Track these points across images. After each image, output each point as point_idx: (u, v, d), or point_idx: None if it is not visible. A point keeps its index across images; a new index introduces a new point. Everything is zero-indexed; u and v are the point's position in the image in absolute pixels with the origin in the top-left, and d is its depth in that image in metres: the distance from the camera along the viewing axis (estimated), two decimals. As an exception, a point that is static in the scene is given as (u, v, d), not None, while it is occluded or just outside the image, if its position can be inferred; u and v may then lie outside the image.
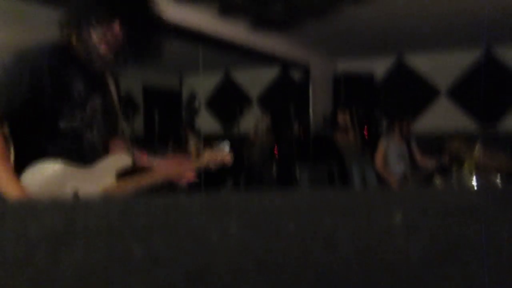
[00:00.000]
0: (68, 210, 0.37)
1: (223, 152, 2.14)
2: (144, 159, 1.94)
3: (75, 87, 1.65)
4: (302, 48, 6.77)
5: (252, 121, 6.83)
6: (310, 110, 7.17)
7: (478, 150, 3.59)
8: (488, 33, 5.62)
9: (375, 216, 0.35)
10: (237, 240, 0.33)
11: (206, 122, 8.87)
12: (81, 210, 0.37)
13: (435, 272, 0.32)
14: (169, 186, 1.95)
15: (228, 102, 8.59)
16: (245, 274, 0.32)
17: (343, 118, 5.78)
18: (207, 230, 0.34)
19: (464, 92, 6.87)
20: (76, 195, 1.61)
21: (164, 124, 6.88)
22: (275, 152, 6.55)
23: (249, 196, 0.38)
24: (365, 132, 6.09)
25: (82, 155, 1.67)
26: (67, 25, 1.64)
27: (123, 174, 1.76)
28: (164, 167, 1.92)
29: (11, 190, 1.46)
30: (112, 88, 1.84)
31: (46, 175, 1.58)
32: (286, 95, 7.68)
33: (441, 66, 7.03)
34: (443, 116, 7.05)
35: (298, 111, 6.81)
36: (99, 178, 1.69)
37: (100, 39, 1.62)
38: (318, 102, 7.34)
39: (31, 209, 0.37)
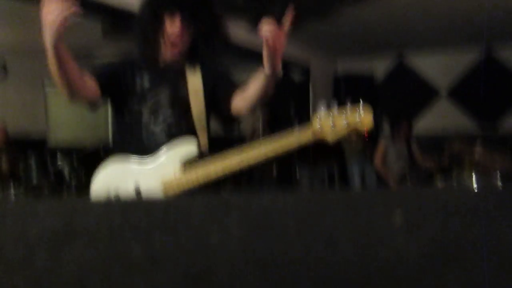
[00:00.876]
0: (68, 211, 0.37)
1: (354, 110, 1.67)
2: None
3: (138, 84, 1.74)
4: (302, 48, 6.76)
5: (252, 120, 6.82)
6: (310, 109, 7.16)
7: (478, 150, 3.59)
8: (488, 33, 5.62)
9: (375, 217, 0.35)
10: (237, 240, 0.33)
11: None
12: (82, 210, 0.37)
13: (435, 272, 0.32)
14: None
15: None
16: (245, 274, 0.32)
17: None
18: (208, 230, 0.34)
19: (464, 92, 6.87)
20: (138, 192, 1.61)
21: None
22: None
23: (249, 197, 0.38)
24: (365, 132, 6.08)
25: (143, 148, 1.70)
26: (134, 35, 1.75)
27: (192, 162, 1.67)
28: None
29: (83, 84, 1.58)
30: (194, 86, 1.85)
31: (109, 174, 1.66)
32: (286, 94, 7.68)
33: (441, 66, 7.02)
34: (443, 116, 7.04)
35: (298, 111, 6.81)
36: (163, 170, 1.65)
37: (164, 42, 1.70)
38: (318, 102, 7.33)
39: (32, 209, 0.37)
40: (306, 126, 1.64)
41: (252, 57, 5.90)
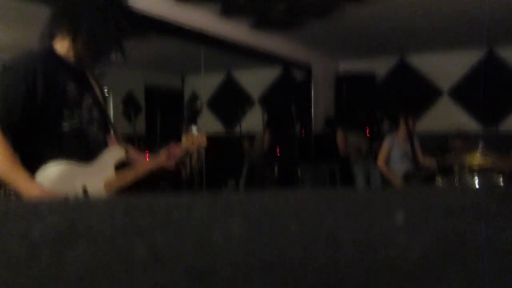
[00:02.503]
0: (71, 210, 0.37)
1: (197, 135, 2.24)
2: (133, 151, 2.01)
3: (68, 88, 1.69)
4: (304, 48, 6.77)
5: (254, 121, 6.82)
6: (312, 110, 7.16)
7: (480, 149, 3.58)
8: (490, 33, 5.62)
9: (377, 216, 0.35)
10: (239, 239, 0.34)
11: (208, 122, 8.88)
12: (84, 210, 0.37)
13: (437, 271, 0.32)
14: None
15: (229, 102, 8.59)
16: (247, 273, 0.32)
17: (352, 117, 5.76)
18: (210, 229, 0.34)
19: (466, 92, 6.86)
20: (85, 192, 1.67)
21: (166, 124, 6.88)
22: (277, 151, 6.55)
23: (251, 196, 0.38)
24: (367, 132, 6.08)
25: (88, 151, 1.73)
26: (59, 29, 1.71)
27: (119, 167, 1.84)
28: (153, 158, 2.01)
29: (30, 189, 1.51)
30: (96, 88, 1.90)
31: (55, 176, 1.61)
32: (288, 95, 7.68)
33: (443, 66, 7.02)
34: (445, 116, 7.04)
35: (300, 111, 6.81)
36: (101, 172, 1.75)
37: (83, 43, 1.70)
38: (320, 102, 7.34)
39: (34, 209, 0.38)
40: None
41: (252, 57, 5.92)
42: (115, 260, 0.33)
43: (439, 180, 3.99)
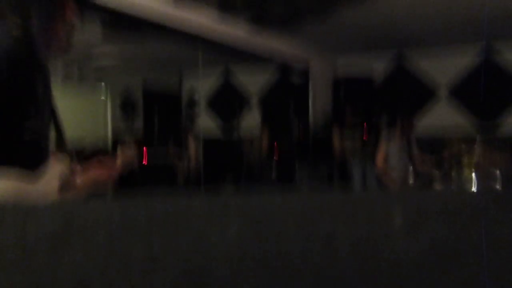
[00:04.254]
0: (67, 211, 0.37)
1: (129, 146, 2.17)
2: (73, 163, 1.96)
3: (37, 84, 1.55)
4: (302, 48, 6.77)
5: (252, 121, 6.82)
6: (310, 110, 7.17)
7: (477, 150, 3.59)
8: (488, 33, 5.62)
9: (374, 218, 0.35)
10: (237, 241, 0.33)
11: (206, 122, 8.87)
12: (81, 211, 0.37)
13: (435, 273, 0.32)
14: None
15: (227, 102, 8.59)
16: (245, 274, 0.32)
17: (351, 115, 5.75)
18: (207, 231, 0.34)
19: (464, 92, 6.87)
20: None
21: (164, 125, 6.88)
22: (275, 153, 6.55)
23: (249, 197, 0.38)
24: (365, 132, 6.08)
25: (44, 156, 1.59)
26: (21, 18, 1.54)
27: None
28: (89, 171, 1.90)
29: None
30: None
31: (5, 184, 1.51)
32: (286, 95, 7.68)
33: (441, 66, 7.02)
34: (443, 116, 7.05)
35: (297, 111, 6.81)
36: (49, 182, 1.62)
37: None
38: (318, 102, 7.34)
39: (31, 210, 0.37)
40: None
41: (250, 57, 5.92)
42: (111, 260, 0.33)
43: (437, 182, 4.00)
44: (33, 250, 0.34)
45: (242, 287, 0.32)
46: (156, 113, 6.80)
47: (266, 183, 6.29)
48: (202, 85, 8.91)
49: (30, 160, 1.55)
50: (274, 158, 6.56)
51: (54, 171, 1.65)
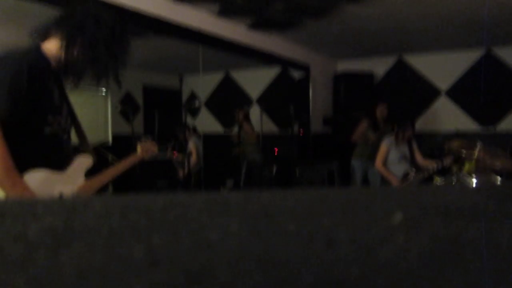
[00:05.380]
0: (67, 210, 0.37)
1: (149, 143, 2.30)
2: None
3: (53, 92, 1.68)
4: (302, 48, 6.77)
5: (253, 120, 6.82)
6: (310, 110, 7.17)
7: (478, 150, 3.59)
8: (488, 33, 5.62)
9: (375, 216, 0.35)
10: (237, 239, 0.33)
11: (206, 122, 8.88)
12: (81, 209, 0.37)
13: (435, 271, 0.31)
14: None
15: (228, 102, 8.59)
16: (245, 274, 0.32)
17: (382, 111, 5.71)
18: (207, 229, 0.34)
19: (464, 92, 6.87)
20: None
21: (164, 124, 6.88)
22: (275, 151, 6.55)
23: (249, 195, 0.38)
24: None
25: (63, 158, 1.74)
26: (56, 32, 1.67)
27: (88, 174, 1.88)
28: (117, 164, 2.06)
29: (17, 190, 1.47)
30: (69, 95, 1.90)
31: (35, 184, 1.58)
32: (286, 95, 7.69)
33: (441, 67, 7.03)
34: (443, 116, 7.05)
35: (298, 111, 6.82)
36: (74, 180, 1.78)
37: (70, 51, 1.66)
38: (318, 102, 7.34)
39: (31, 208, 0.37)
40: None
41: (250, 56, 5.92)
42: (111, 260, 0.33)
43: (437, 181, 4.00)
44: (33, 249, 0.34)
45: (242, 285, 0.32)
46: (156, 112, 6.80)
47: (266, 182, 6.29)
48: (202, 85, 8.92)
49: (57, 159, 1.71)
50: (274, 157, 6.56)
51: (81, 167, 1.82)
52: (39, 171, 1.61)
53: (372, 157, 5.15)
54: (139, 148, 2.23)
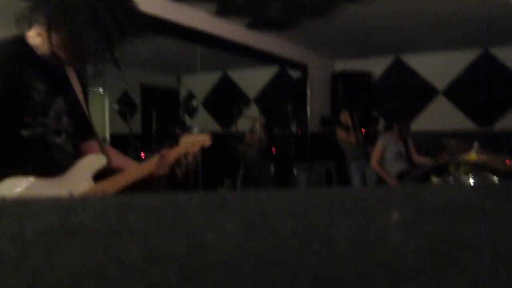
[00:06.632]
0: (64, 209, 0.37)
1: (201, 135, 1.97)
2: (120, 158, 1.82)
3: (35, 89, 1.45)
4: (300, 47, 6.77)
5: (250, 120, 6.82)
6: (308, 109, 7.17)
7: (475, 149, 3.60)
8: (486, 33, 5.64)
9: (372, 215, 0.35)
10: (234, 239, 0.33)
11: (204, 121, 8.87)
12: (78, 208, 0.37)
13: (432, 271, 0.32)
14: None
15: (225, 101, 8.59)
16: (242, 273, 0.32)
17: (344, 118, 5.79)
18: (204, 229, 0.34)
19: (461, 91, 6.89)
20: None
21: (162, 123, 6.88)
22: (273, 150, 6.55)
23: (247, 195, 0.38)
24: (363, 132, 6.10)
25: (53, 163, 1.52)
26: (31, 19, 1.43)
27: (101, 176, 1.64)
28: (143, 164, 1.78)
29: None
30: (77, 87, 1.66)
31: (17, 191, 1.41)
32: (283, 94, 7.69)
33: (439, 66, 7.04)
34: (440, 116, 7.07)
35: (295, 111, 6.82)
36: (75, 184, 1.55)
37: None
38: (316, 102, 7.34)
39: (27, 207, 0.37)
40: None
41: (248, 56, 5.92)
42: (108, 259, 0.33)
43: (433, 180, 4.00)
44: (29, 248, 0.34)
45: (239, 284, 0.32)
46: (154, 112, 6.80)
47: (264, 182, 6.29)
48: (200, 84, 8.91)
49: (42, 165, 1.49)
50: (272, 157, 6.56)
51: (87, 167, 1.59)
52: (21, 179, 1.41)
53: (368, 156, 5.16)
54: (183, 140, 1.90)
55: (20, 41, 1.49)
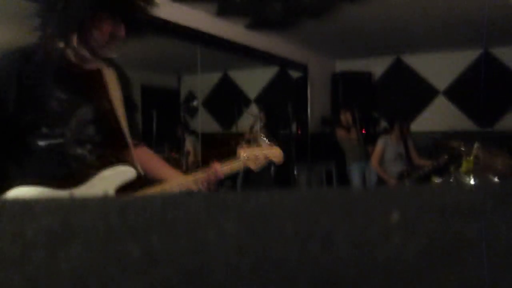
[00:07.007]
0: (65, 210, 0.37)
1: (268, 147, 1.72)
2: (163, 168, 1.69)
3: (54, 98, 1.40)
4: (301, 47, 6.77)
5: (250, 120, 6.82)
6: (308, 109, 7.17)
7: (476, 149, 3.59)
8: (486, 34, 5.63)
9: (372, 215, 0.35)
10: (235, 239, 0.33)
11: (204, 121, 8.87)
12: (78, 209, 0.37)
13: (433, 271, 0.32)
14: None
15: (226, 101, 8.59)
16: (242, 273, 0.32)
17: (345, 118, 5.79)
18: (205, 229, 0.34)
19: (462, 92, 6.88)
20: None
21: (162, 124, 6.88)
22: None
23: (247, 195, 0.38)
24: (363, 132, 6.10)
25: (70, 174, 1.43)
26: (50, 27, 1.39)
27: (131, 187, 1.52)
28: (185, 177, 1.65)
29: None
30: (114, 91, 1.57)
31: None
32: (284, 94, 7.69)
33: (439, 66, 7.04)
34: (441, 116, 7.06)
35: (296, 111, 6.82)
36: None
37: (93, 43, 1.41)
38: (316, 102, 7.34)
39: (28, 208, 0.37)
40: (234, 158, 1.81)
41: (249, 56, 5.91)
42: (109, 260, 0.33)
43: (434, 180, 4.00)
44: (31, 249, 0.34)
45: (239, 284, 0.32)
46: (154, 112, 6.79)
47: (265, 182, 6.29)
48: (200, 85, 8.91)
49: (58, 175, 1.40)
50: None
51: (105, 181, 1.47)
52: (24, 188, 1.35)
53: (369, 156, 5.16)
54: (241, 154, 1.71)
55: (40, 49, 1.43)
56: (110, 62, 1.57)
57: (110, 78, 1.57)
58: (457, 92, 6.94)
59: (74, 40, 1.39)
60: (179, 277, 0.31)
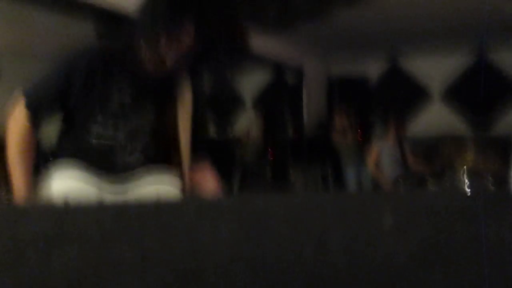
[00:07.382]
0: (60, 214, 0.37)
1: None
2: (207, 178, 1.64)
3: (118, 99, 1.37)
4: (296, 50, 6.78)
5: (246, 122, 6.83)
6: (304, 112, 7.18)
7: (470, 153, 3.61)
8: (483, 38, 5.66)
9: (367, 219, 0.36)
10: (229, 242, 0.33)
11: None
12: (74, 213, 0.37)
13: (425, 274, 0.32)
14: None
15: (222, 102, 8.57)
16: (237, 275, 0.32)
17: (340, 120, 5.80)
18: (200, 232, 0.34)
19: (457, 95, 6.91)
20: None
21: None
22: (269, 154, 6.56)
23: (242, 199, 0.38)
24: (359, 136, 6.11)
25: (113, 175, 1.41)
26: (136, 31, 1.36)
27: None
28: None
29: (19, 189, 1.35)
30: (185, 102, 1.50)
31: (72, 187, 1.37)
32: (280, 97, 7.69)
33: (435, 70, 7.06)
34: (436, 119, 7.08)
35: (292, 113, 6.82)
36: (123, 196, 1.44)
37: (170, 46, 1.33)
38: (312, 104, 7.35)
39: (24, 213, 0.37)
40: None
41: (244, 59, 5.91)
42: (104, 262, 0.33)
43: (429, 183, 4.01)
44: (25, 252, 0.34)
45: (234, 287, 0.32)
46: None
47: (261, 185, 6.29)
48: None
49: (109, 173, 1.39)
50: (269, 161, 6.56)
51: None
52: (72, 171, 1.40)
53: (364, 157, 5.16)
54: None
55: (111, 52, 1.41)
56: (188, 74, 1.50)
57: (183, 90, 1.51)
58: (453, 96, 6.96)
59: (159, 46, 1.33)
60: (174, 281, 0.31)
